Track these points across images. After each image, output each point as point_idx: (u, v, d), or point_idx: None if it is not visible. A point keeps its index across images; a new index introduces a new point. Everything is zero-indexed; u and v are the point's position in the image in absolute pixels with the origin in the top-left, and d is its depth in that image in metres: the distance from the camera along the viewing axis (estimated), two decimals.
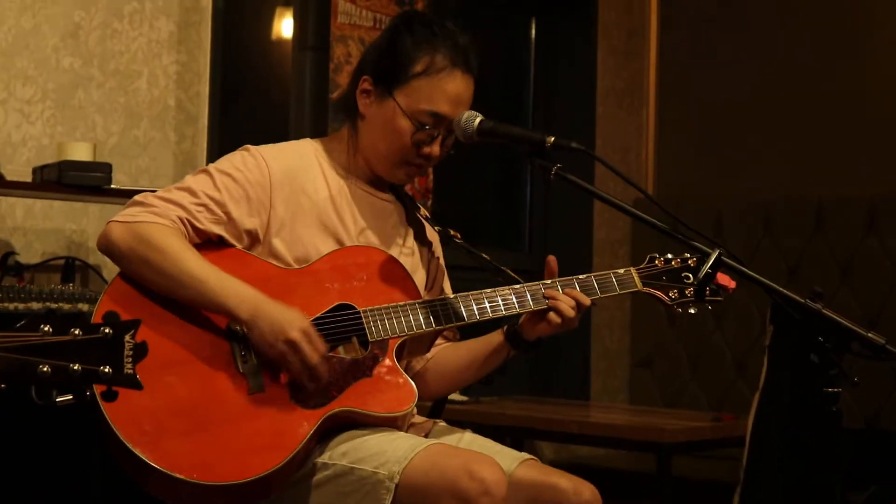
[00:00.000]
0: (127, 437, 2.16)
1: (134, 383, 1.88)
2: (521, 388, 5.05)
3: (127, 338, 1.87)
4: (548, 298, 2.47)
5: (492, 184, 5.51)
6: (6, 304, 3.22)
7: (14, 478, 3.33)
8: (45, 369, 1.80)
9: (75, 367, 1.82)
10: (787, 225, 5.07)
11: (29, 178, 3.62)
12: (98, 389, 1.94)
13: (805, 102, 5.14)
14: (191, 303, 2.34)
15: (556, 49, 5.58)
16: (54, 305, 3.28)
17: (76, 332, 1.83)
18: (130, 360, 1.88)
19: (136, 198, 2.43)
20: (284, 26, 4.76)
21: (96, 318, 2.11)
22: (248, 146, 2.52)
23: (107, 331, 1.85)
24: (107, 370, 1.85)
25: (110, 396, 1.93)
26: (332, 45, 4.53)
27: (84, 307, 3.30)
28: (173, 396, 2.23)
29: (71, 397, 1.90)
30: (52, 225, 3.91)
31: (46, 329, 1.82)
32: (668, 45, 5.63)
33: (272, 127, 4.38)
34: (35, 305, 3.26)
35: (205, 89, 4.31)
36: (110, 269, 3.78)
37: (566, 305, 2.46)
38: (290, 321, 2.30)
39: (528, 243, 5.54)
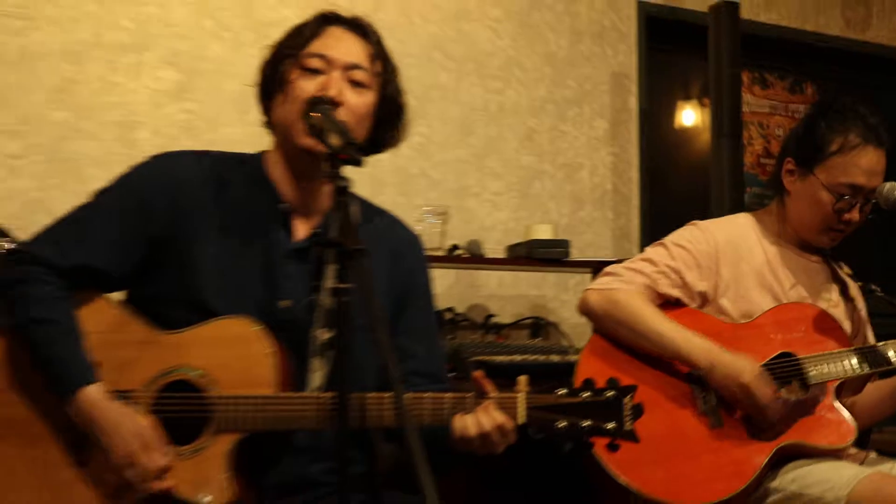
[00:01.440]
0: (618, 473, 2.46)
1: (634, 438, 1.96)
2: None
3: (626, 399, 1.95)
4: None
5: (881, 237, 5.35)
6: (492, 357, 3.48)
7: None
8: (562, 425, 1.94)
9: (586, 424, 1.94)
10: None
11: (502, 255, 3.98)
12: (601, 441, 1.99)
13: None
14: (657, 354, 2.57)
15: None
16: (530, 357, 3.51)
17: (586, 394, 1.95)
18: (630, 418, 1.95)
19: (607, 269, 2.71)
20: (697, 118, 4.99)
21: (582, 375, 2.33)
22: (696, 222, 2.78)
23: (610, 394, 1.96)
24: (611, 426, 1.94)
25: (613, 448, 1.99)
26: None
27: (554, 357, 3.54)
28: (648, 433, 2.20)
29: (574, 447, 2.00)
30: (519, 291, 4.21)
31: (562, 392, 1.96)
32: None
33: (693, 204, 4.45)
34: (515, 357, 3.50)
35: (635, 174, 4.56)
36: (568, 326, 4.18)
37: None
38: (743, 368, 2.49)
39: None
